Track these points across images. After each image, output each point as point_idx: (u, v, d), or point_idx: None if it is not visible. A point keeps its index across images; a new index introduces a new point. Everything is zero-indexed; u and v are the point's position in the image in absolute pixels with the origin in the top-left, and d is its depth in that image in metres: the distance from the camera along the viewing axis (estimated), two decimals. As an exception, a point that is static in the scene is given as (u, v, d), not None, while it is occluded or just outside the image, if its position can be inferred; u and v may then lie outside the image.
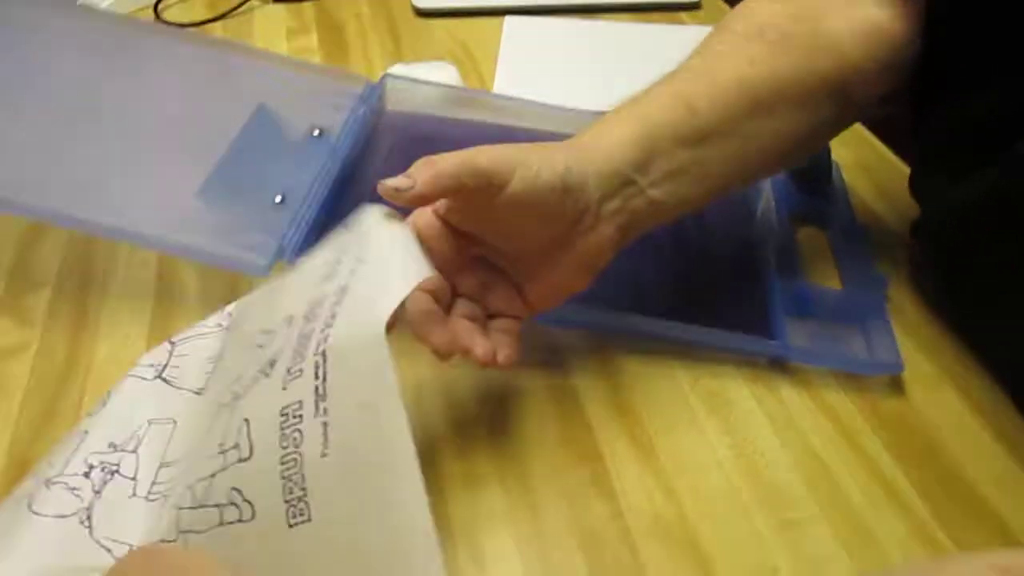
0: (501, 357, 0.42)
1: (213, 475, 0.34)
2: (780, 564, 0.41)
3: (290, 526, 0.31)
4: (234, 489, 0.33)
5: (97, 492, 0.35)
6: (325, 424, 0.32)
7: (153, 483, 0.36)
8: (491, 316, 0.44)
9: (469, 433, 0.46)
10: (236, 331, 0.42)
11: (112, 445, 0.38)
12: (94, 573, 0.32)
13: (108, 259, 0.55)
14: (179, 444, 0.38)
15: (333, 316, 0.35)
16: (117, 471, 0.37)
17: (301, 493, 0.32)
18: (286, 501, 0.32)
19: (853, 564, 0.41)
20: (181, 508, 0.34)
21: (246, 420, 0.34)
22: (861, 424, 0.48)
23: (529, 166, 0.39)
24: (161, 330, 0.50)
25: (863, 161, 0.68)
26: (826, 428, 0.48)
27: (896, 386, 0.50)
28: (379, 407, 0.32)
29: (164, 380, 0.41)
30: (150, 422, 0.39)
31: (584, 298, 0.47)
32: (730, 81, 0.45)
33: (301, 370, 0.33)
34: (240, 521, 0.32)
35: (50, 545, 0.33)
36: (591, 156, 0.42)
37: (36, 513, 0.34)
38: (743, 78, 0.45)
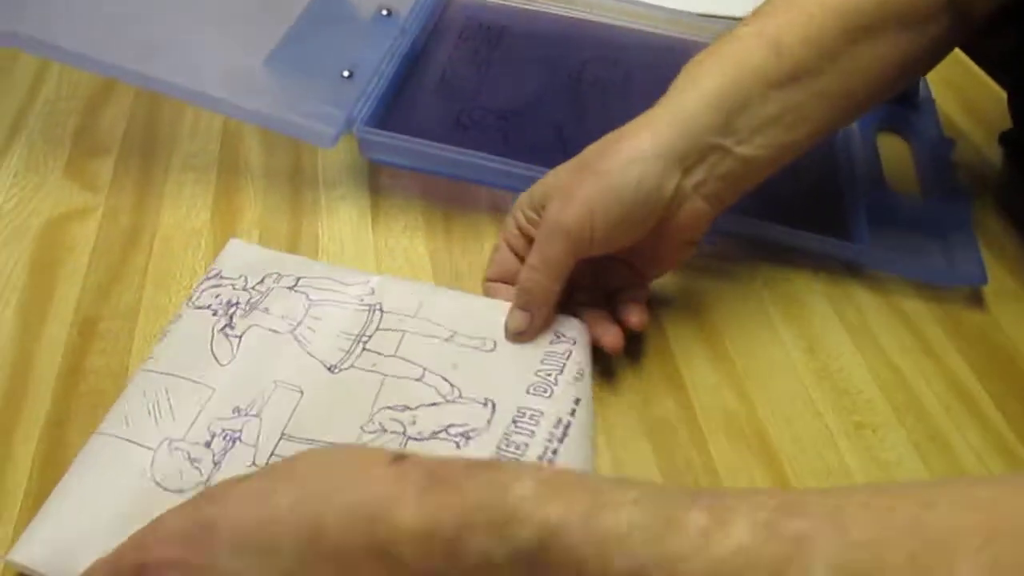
0: (635, 321, 0.42)
1: None
2: (852, 465, 0.40)
3: None
4: None
5: (216, 464, 0.35)
6: None
7: (272, 454, 0.36)
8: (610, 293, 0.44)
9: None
10: (387, 321, 0.41)
11: (237, 410, 0.37)
12: None
13: (172, 128, 0.54)
14: (305, 419, 0.37)
15: (554, 456, 0.36)
16: (239, 438, 0.36)
17: None
18: None
19: (927, 470, 0.40)
20: None
21: None
22: (939, 334, 0.46)
23: (607, 207, 0.39)
24: (225, 201, 0.50)
25: (950, 77, 0.65)
26: (903, 336, 0.46)
27: (977, 300, 0.49)
28: None
29: (297, 340, 0.40)
30: (276, 384, 0.38)
31: None
32: (824, 7, 0.41)
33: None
34: None
35: None
36: (663, 139, 0.40)
37: (159, 485, 0.34)
38: (840, 1, 0.42)
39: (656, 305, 0.46)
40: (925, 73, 0.56)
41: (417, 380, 0.39)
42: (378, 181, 0.52)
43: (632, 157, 0.39)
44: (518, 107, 0.55)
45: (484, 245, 0.49)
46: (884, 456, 0.41)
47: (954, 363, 0.45)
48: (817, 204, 0.52)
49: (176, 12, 0.51)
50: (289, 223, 0.49)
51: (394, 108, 0.53)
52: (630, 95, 0.58)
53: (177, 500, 0.32)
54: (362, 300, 0.42)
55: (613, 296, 0.44)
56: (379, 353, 0.40)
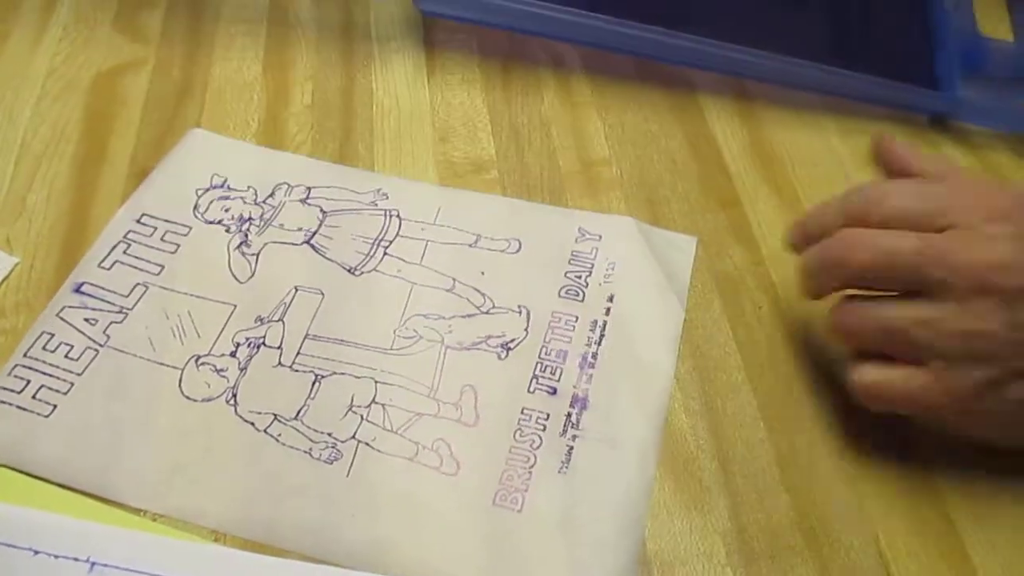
0: None
1: (420, 415, 0.34)
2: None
3: (494, 504, 0.32)
4: (442, 440, 0.33)
5: (243, 369, 0.35)
6: (571, 448, 0.33)
7: (298, 353, 0.35)
8: None
9: (598, 171, 0.43)
10: (407, 229, 0.40)
11: (259, 319, 0.36)
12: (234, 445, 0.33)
13: (220, -19, 0.52)
14: (329, 319, 0.36)
15: (595, 360, 0.36)
16: (263, 343, 0.36)
17: (522, 487, 0.32)
18: (500, 483, 0.32)
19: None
20: (367, 419, 0.34)
21: (472, 387, 0.35)
22: None
23: None
24: (276, 54, 0.48)
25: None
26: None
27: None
28: (630, 455, 0.33)
29: (313, 247, 0.39)
30: (297, 288, 0.37)
31: (723, 35, 0.43)
32: None
33: (554, 389, 0.35)
34: (438, 471, 0.33)
35: (195, 429, 0.33)
36: None
37: (187, 397, 0.34)
38: None
39: (721, 148, 0.44)
40: None
41: (448, 291, 0.38)
42: (433, 35, 0.50)
43: None
44: None
45: (544, 97, 0.46)
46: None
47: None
48: (901, 50, 0.48)
49: None
50: (342, 77, 0.47)
51: None
52: None
53: (205, 408, 0.33)
54: (376, 204, 0.41)
55: None
56: (403, 260, 0.39)
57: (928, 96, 0.46)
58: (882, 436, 0.34)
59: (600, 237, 0.40)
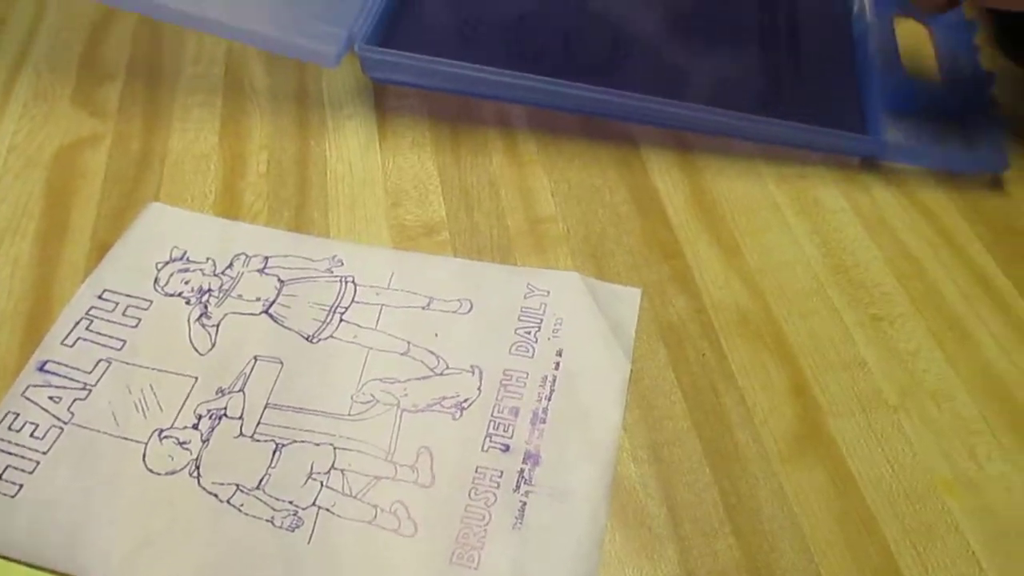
0: None
1: (378, 478, 0.35)
2: (868, 358, 0.40)
3: (451, 563, 0.33)
4: (399, 502, 0.34)
5: (205, 441, 0.36)
6: (524, 504, 0.34)
7: (259, 423, 0.36)
8: None
9: (545, 228, 0.45)
10: (361, 294, 0.41)
11: (220, 390, 0.37)
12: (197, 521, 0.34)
13: (176, 52, 0.54)
14: (289, 388, 0.38)
15: (545, 415, 0.37)
16: (224, 414, 0.37)
17: (477, 545, 0.33)
18: (456, 542, 0.34)
19: (945, 358, 0.40)
20: (326, 485, 0.35)
21: (427, 449, 0.36)
22: (959, 222, 0.46)
23: None
24: (232, 124, 0.49)
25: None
26: (921, 226, 0.45)
27: (998, 184, 0.48)
28: (582, 507, 0.35)
29: (271, 317, 0.40)
30: (256, 358, 0.39)
31: (661, 91, 0.45)
32: None
33: (507, 446, 0.36)
34: (397, 533, 0.34)
35: (160, 502, 0.34)
36: None
37: (151, 471, 0.35)
38: None
39: (664, 201, 0.46)
40: None
41: (403, 354, 0.39)
42: (384, 100, 0.51)
43: None
44: (524, 14, 0.54)
45: (492, 157, 0.48)
46: (902, 347, 0.41)
47: (975, 251, 0.45)
48: (829, 96, 0.51)
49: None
50: (296, 145, 0.49)
51: (397, 21, 0.52)
52: None
53: (169, 481, 0.34)
54: (331, 272, 0.42)
55: None
56: (359, 325, 0.40)
57: (855, 140, 0.48)
58: (821, 477, 0.36)
59: (548, 293, 0.42)
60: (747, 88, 0.51)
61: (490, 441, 0.36)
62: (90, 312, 0.40)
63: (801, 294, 0.42)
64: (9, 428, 0.36)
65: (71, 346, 0.39)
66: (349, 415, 0.37)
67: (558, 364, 0.39)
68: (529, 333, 0.40)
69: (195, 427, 0.36)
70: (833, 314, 0.42)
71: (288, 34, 0.48)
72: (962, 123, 0.49)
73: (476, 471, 0.35)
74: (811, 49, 0.53)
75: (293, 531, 0.33)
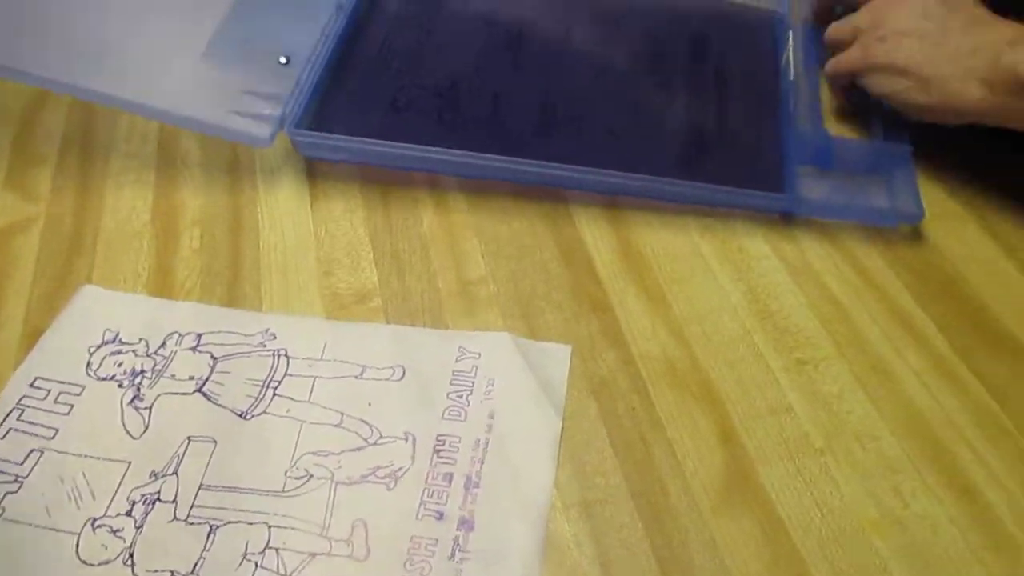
0: None
1: (313, 555, 0.35)
2: (794, 402, 0.41)
3: None
4: None
5: (139, 527, 0.36)
6: (460, 571, 0.35)
7: (193, 505, 0.37)
8: None
9: (476, 289, 0.46)
10: (294, 367, 0.42)
11: (153, 474, 0.38)
12: None
13: (109, 132, 0.54)
14: (222, 468, 0.38)
15: (479, 478, 0.38)
16: (158, 498, 0.37)
17: None
18: None
19: (869, 399, 0.41)
20: (261, 565, 0.35)
21: (362, 521, 0.36)
22: (880, 264, 0.47)
23: None
24: (165, 200, 0.50)
25: None
26: (844, 270, 0.47)
27: (920, 227, 0.49)
28: (516, 570, 0.35)
29: (205, 395, 0.41)
30: (190, 439, 0.39)
31: (588, 155, 0.47)
32: None
33: (441, 513, 0.37)
34: None
35: None
36: None
37: (84, 562, 0.35)
38: None
39: (592, 255, 0.47)
40: None
41: (336, 426, 0.40)
42: (317, 167, 0.52)
43: None
44: (455, 80, 0.55)
45: (423, 219, 0.49)
46: (826, 390, 0.42)
47: (895, 291, 0.46)
48: (753, 154, 0.52)
49: (107, 14, 0.51)
50: (229, 218, 0.49)
51: (329, 98, 0.53)
52: (568, 55, 0.58)
53: (103, 571, 0.34)
54: (264, 346, 0.43)
55: None
56: (292, 399, 0.40)
57: (772, 199, 0.49)
58: (751, 525, 0.37)
59: (479, 355, 0.42)
60: (671, 151, 0.52)
61: (424, 509, 0.37)
62: (21, 402, 0.40)
63: (727, 341, 0.43)
64: (-62, 526, 0.36)
65: (2, 438, 0.39)
66: (283, 491, 0.37)
67: (490, 426, 0.39)
68: (461, 397, 0.41)
69: (128, 514, 0.36)
70: (759, 360, 0.43)
71: (222, 118, 0.49)
72: (884, 177, 0.51)
73: (411, 541, 0.36)
74: (737, 107, 0.54)
75: (228, 615, 0.34)
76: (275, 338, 0.43)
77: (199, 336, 0.43)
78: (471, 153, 0.48)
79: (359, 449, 0.39)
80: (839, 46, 0.54)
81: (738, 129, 0.54)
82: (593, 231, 0.48)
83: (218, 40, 0.52)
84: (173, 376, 0.41)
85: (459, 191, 0.51)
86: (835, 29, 0.55)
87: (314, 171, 0.52)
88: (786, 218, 0.49)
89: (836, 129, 0.55)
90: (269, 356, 0.42)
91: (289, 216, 0.49)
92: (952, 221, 0.49)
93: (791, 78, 0.56)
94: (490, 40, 0.58)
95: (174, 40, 0.52)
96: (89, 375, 0.41)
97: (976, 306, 0.45)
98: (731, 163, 0.51)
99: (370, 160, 0.50)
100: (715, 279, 0.46)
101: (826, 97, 0.56)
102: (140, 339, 0.43)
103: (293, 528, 0.36)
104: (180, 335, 0.43)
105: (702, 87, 0.56)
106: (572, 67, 0.57)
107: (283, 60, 0.52)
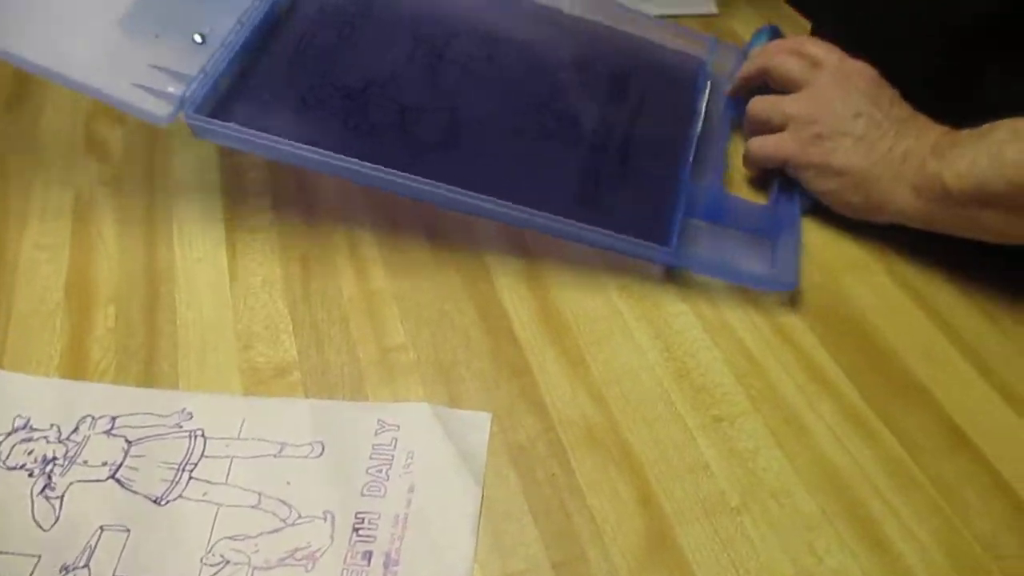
0: None
1: None
2: (711, 460, 0.41)
3: None
4: None
5: None
6: None
7: None
8: None
9: (396, 357, 0.46)
10: (211, 448, 0.41)
11: (64, 567, 0.37)
12: None
13: (21, 207, 0.53)
14: (136, 557, 0.37)
15: (398, 555, 0.37)
16: None
17: None
18: None
19: (784, 455, 0.42)
20: None
21: None
22: (794, 318, 0.48)
23: None
24: (79, 277, 0.49)
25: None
26: (757, 322, 0.48)
27: (828, 277, 0.50)
28: None
29: (118, 481, 0.40)
30: (102, 528, 0.38)
31: (488, 180, 0.48)
32: None
33: None
34: None
35: None
36: None
37: None
38: None
39: (511, 317, 0.47)
40: None
41: (254, 507, 0.39)
42: (236, 237, 0.52)
43: None
44: (367, 84, 0.53)
45: (342, 288, 0.49)
46: (742, 446, 0.42)
47: (808, 343, 0.47)
48: (646, 201, 0.52)
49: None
50: (145, 293, 0.48)
51: (237, 84, 0.51)
52: (487, 78, 0.56)
53: None
54: (180, 426, 0.42)
55: None
56: (208, 481, 0.40)
57: (655, 250, 0.49)
58: (669, 589, 0.37)
59: (398, 427, 0.42)
60: (570, 188, 0.51)
61: None
62: None
63: (646, 401, 0.44)
64: None
65: (-97, 536, 0.37)
66: None
67: (410, 501, 0.39)
68: (381, 471, 0.40)
69: None
70: (676, 419, 0.43)
71: (125, 91, 0.47)
72: (769, 240, 0.52)
73: None
74: (642, 152, 0.55)
75: None
76: (191, 418, 0.42)
77: (113, 419, 0.42)
78: (374, 166, 0.47)
79: (277, 531, 0.38)
80: (762, 125, 0.55)
81: (639, 174, 0.54)
82: (512, 293, 0.49)
83: (137, 10, 0.50)
84: (86, 462, 0.41)
85: (379, 255, 0.51)
86: (760, 108, 0.55)
87: (233, 241, 0.51)
88: (670, 272, 0.50)
89: (736, 186, 0.56)
90: (185, 437, 0.42)
91: (207, 289, 0.49)
92: (862, 271, 0.51)
93: (699, 130, 0.57)
94: (412, 50, 0.56)
95: (95, 6, 0.50)
96: None
97: (887, 355, 0.46)
98: (625, 209, 0.51)
99: (265, 155, 0.48)
100: (633, 338, 0.47)
101: (735, 150, 0.58)
102: (52, 424, 0.42)
103: None
104: (94, 419, 0.42)
105: (613, 126, 0.56)
106: (488, 90, 0.56)
107: (198, 39, 0.51)
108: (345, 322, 0.47)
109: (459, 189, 0.48)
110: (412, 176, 0.47)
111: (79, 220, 0.53)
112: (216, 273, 0.50)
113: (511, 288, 0.49)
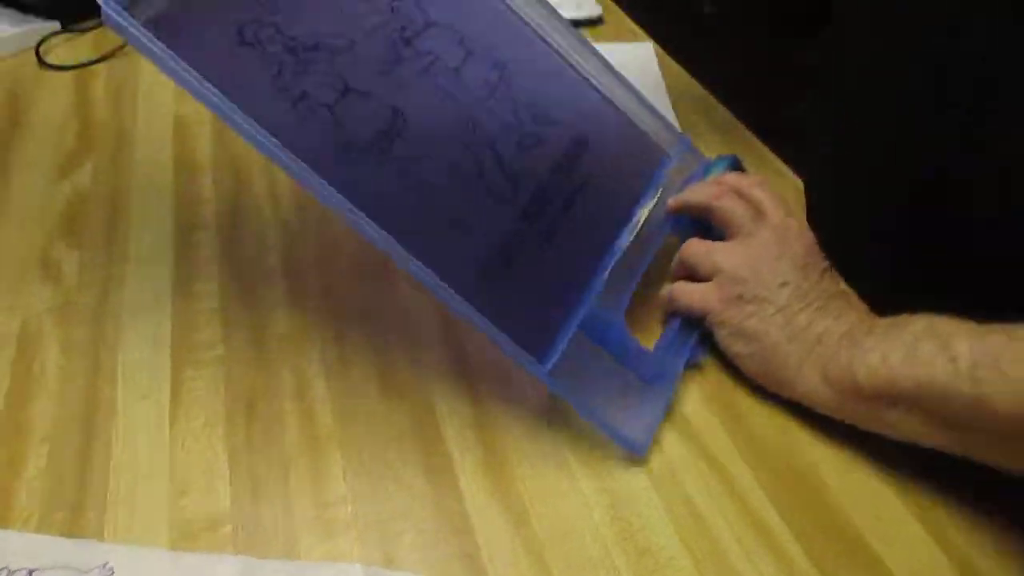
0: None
1: None
2: (651, 634, 0.40)
3: None
4: None
5: None
6: None
7: None
8: None
9: (334, 512, 0.44)
10: None
11: None
12: None
13: None
14: None
15: None
16: None
17: None
18: None
19: (726, 628, 0.40)
20: None
21: None
22: (743, 468, 0.47)
23: None
24: (14, 412, 0.48)
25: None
26: (707, 476, 0.46)
27: (782, 428, 0.49)
28: None
29: None
30: None
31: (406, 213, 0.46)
32: None
33: None
34: None
35: None
36: None
37: None
38: None
39: (456, 472, 0.46)
40: None
41: None
42: (181, 372, 0.51)
43: None
44: (317, 44, 0.47)
45: (286, 436, 0.48)
46: (685, 617, 0.41)
47: (757, 501, 0.46)
48: (539, 302, 0.48)
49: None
50: (81, 433, 0.47)
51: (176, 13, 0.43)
52: (449, 87, 0.51)
53: None
54: None
55: None
56: None
57: (527, 361, 0.46)
58: None
59: None
60: (480, 251, 0.47)
61: None
62: None
63: (588, 566, 0.42)
64: None
65: None
66: None
67: None
68: None
69: None
70: (619, 585, 0.42)
71: None
72: (639, 393, 0.50)
73: None
74: (564, 240, 0.50)
75: None
76: (112, 573, 0.41)
77: (31, 572, 0.41)
78: (274, 140, 0.42)
79: None
80: (690, 270, 0.54)
81: (553, 263, 0.50)
82: (459, 440, 0.48)
83: None
84: None
85: (327, 399, 0.50)
86: (692, 253, 0.54)
87: (179, 379, 0.50)
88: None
89: (635, 314, 0.53)
90: None
91: (146, 430, 0.48)
92: (815, 425, 0.50)
93: (628, 242, 0.53)
94: (384, 21, 0.50)
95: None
96: None
97: (832, 511, 0.45)
98: (521, 299, 0.48)
99: (172, 78, 0.42)
100: (580, 491, 0.46)
101: (655, 271, 0.55)
102: None
103: None
104: (11, 572, 0.41)
105: (551, 198, 0.51)
106: (442, 104, 0.50)
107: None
108: (285, 471, 0.46)
109: (364, 216, 0.43)
110: (321, 180, 0.43)
111: (22, 351, 0.52)
112: (157, 412, 0.49)
113: (459, 435, 0.48)
